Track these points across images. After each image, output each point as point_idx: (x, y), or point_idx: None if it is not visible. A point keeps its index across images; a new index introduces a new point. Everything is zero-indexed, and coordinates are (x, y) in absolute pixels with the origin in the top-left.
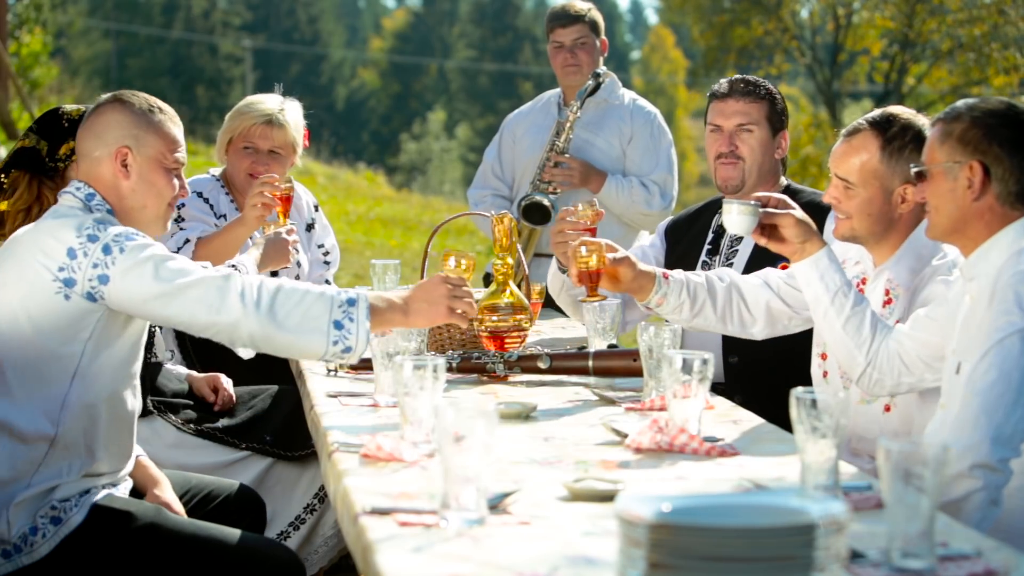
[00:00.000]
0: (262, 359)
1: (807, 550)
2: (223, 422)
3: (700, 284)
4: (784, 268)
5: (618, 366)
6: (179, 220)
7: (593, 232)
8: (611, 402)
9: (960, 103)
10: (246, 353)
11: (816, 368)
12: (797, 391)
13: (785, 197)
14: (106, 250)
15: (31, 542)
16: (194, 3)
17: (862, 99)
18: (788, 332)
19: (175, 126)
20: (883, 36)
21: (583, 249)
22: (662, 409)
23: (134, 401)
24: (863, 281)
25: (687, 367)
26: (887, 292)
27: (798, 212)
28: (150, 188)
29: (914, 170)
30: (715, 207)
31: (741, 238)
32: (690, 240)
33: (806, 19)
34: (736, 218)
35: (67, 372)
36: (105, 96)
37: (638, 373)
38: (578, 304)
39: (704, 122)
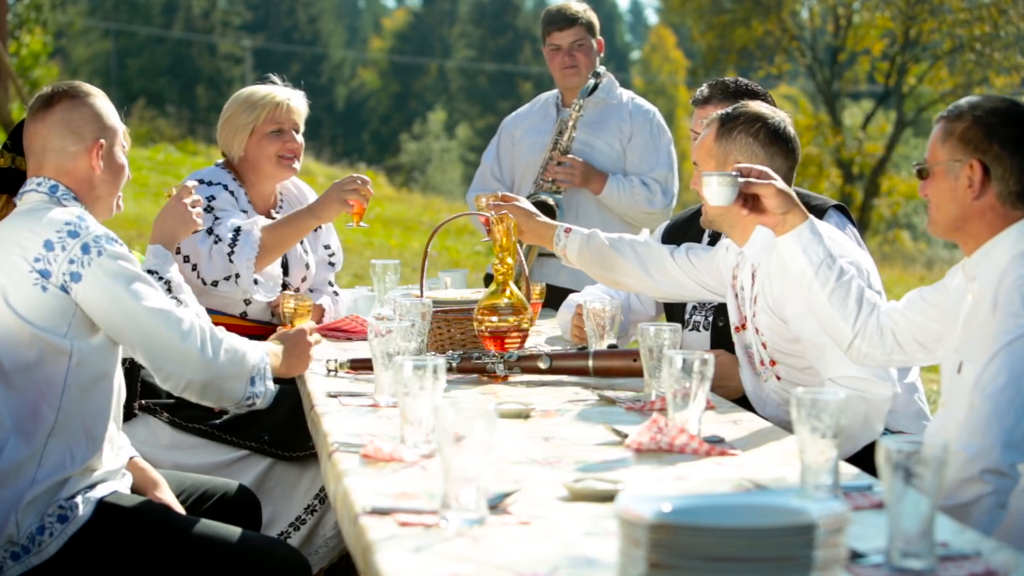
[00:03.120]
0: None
1: (807, 550)
2: (222, 419)
3: (604, 245)
4: None
5: (618, 366)
6: (210, 210)
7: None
8: (611, 402)
9: (963, 101)
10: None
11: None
12: (797, 391)
13: (766, 169)
14: (85, 249)
15: (39, 542)
16: (194, 3)
17: (862, 99)
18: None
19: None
20: (883, 36)
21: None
22: (662, 409)
23: (123, 390)
24: (736, 267)
25: (687, 367)
26: (752, 276)
27: (779, 182)
28: (117, 175)
29: (916, 168)
30: None
31: None
32: (687, 242)
33: (806, 19)
34: (716, 190)
35: (63, 356)
36: (58, 89)
37: (638, 373)
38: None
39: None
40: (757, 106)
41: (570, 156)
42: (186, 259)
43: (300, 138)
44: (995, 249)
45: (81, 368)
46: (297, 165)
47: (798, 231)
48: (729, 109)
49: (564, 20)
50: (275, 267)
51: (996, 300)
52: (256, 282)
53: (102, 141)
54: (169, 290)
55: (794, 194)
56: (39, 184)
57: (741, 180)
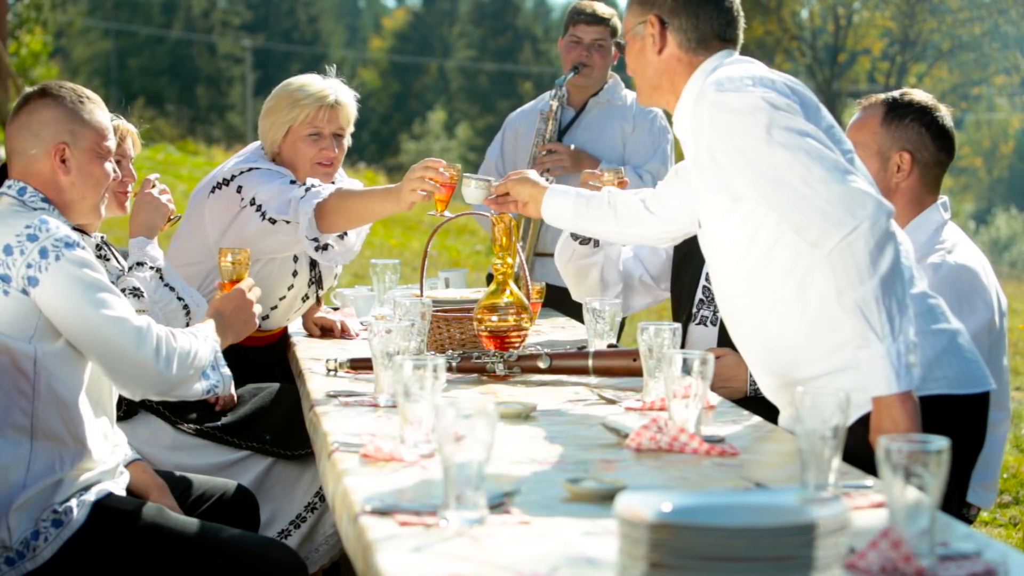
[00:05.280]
0: (261, 358)
1: (807, 550)
2: (223, 421)
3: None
4: None
5: (618, 366)
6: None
7: None
8: (611, 402)
9: None
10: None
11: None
12: (798, 390)
13: (521, 171)
14: (43, 253)
15: (33, 547)
16: (194, 3)
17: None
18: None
19: (104, 113)
20: (883, 36)
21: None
22: (662, 409)
23: (112, 389)
24: None
25: (687, 367)
26: None
27: (529, 174)
28: (88, 179)
29: (614, 44)
30: None
31: None
32: (691, 240)
33: (806, 19)
34: (473, 192)
35: (29, 361)
36: (32, 90)
37: (638, 373)
38: (581, 275)
39: None
40: (923, 96)
41: (557, 143)
42: (251, 202)
43: (344, 142)
44: (683, 101)
45: (49, 373)
46: (336, 173)
47: (545, 205)
48: (896, 94)
49: (593, 17)
50: (346, 246)
51: (697, 142)
52: (322, 247)
53: (64, 144)
54: (161, 278)
55: (533, 177)
56: (9, 187)
57: (495, 184)
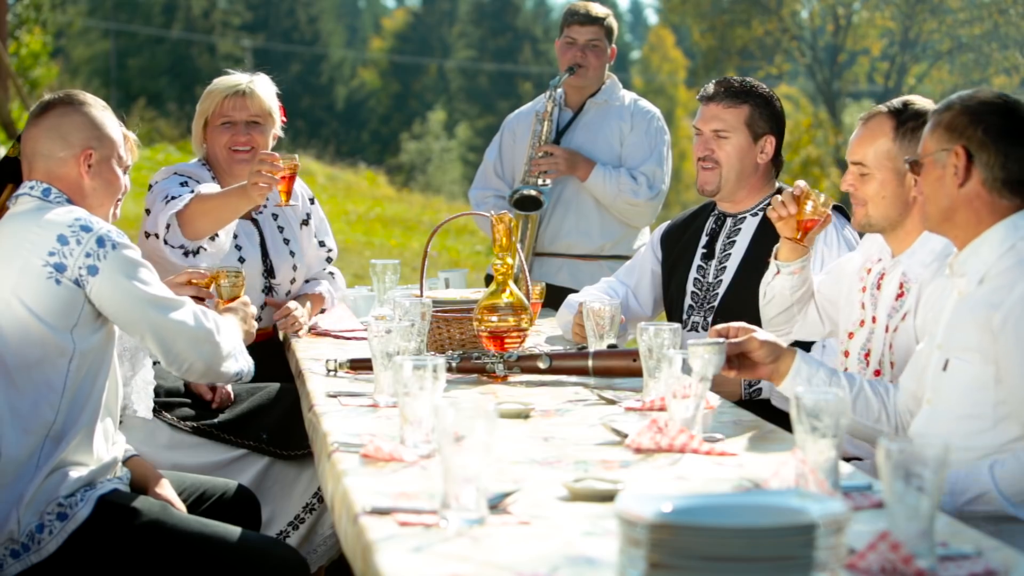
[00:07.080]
0: (261, 357)
1: (807, 550)
2: (219, 418)
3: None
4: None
5: (618, 366)
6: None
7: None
8: (611, 402)
9: (955, 94)
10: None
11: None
12: (798, 391)
13: (743, 324)
14: (100, 242)
15: (38, 540)
16: (194, 3)
17: (862, 99)
18: None
19: (119, 124)
20: (883, 36)
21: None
22: (662, 409)
23: (120, 386)
24: (882, 276)
25: (687, 367)
26: (901, 285)
27: (759, 334)
28: (108, 186)
29: (908, 161)
30: (708, 211)
31: (734, 242)
32: (684, 244)
33: (806, 19)
34: (705, 360)
35: (64, 358)
36: (57, 96)
37: (638, 373)
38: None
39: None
40: (921, 100)
41: (552, 145)
42: (146, 209)
43: (262, 131)
44: (983, 246)
45: (79, 370)
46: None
47: (794, 371)
48: (893, 102)
49: (586, 18)
50: (226, 244)
51: (983, 297)
52: (193, 252)
53: (91, 150)
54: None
55: (775, 339)
56: (32, 188)
57: (726, 342)
